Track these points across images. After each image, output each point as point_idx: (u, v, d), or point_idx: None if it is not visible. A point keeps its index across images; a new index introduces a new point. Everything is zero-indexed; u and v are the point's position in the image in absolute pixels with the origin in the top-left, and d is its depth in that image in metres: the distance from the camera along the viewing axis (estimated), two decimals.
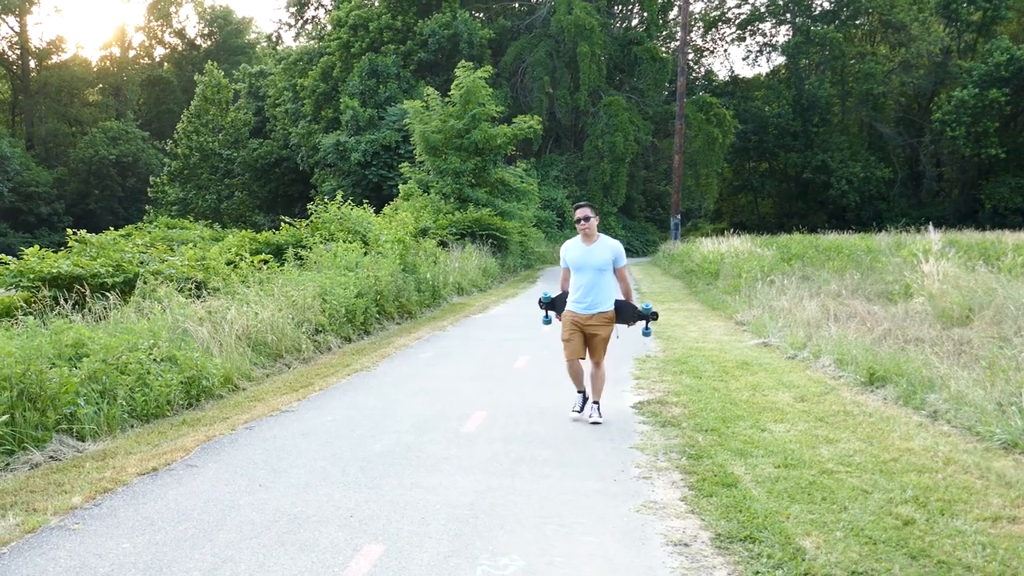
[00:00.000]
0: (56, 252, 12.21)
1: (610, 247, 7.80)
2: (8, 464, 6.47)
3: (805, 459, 6.42)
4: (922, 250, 16.24)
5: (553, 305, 8.31)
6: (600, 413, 7.94)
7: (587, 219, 7.75)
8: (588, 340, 7.87)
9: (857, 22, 62.19)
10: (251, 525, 5.19)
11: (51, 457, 6.70)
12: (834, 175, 55.88)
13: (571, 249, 7.93)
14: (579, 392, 8.20)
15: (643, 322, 8.10)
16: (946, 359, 9.19)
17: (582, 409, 8.11)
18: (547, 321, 8.51)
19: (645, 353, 11.87)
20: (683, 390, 9.20)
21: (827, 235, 31.88)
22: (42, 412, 6.97)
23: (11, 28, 67.96)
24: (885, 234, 28.91)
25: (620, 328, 8.10)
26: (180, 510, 5.47)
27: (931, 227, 22.33)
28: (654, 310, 8.11)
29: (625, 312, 7.95)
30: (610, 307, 7.82)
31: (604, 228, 44.46)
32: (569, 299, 7.93)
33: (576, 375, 8.07)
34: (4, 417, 6.59)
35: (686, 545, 4.88)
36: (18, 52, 68.34)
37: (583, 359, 7.94)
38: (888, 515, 5.20)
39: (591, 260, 7.73)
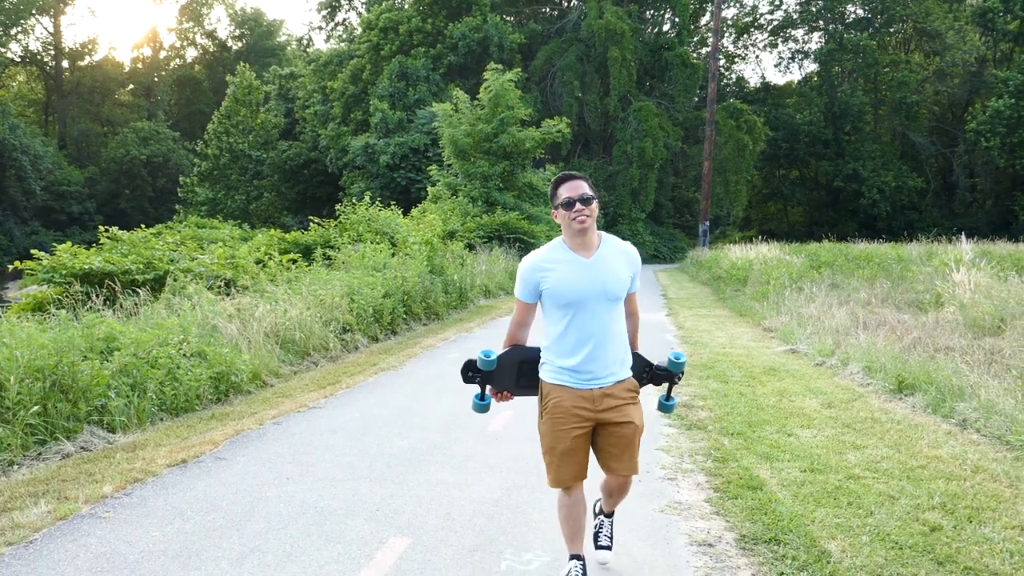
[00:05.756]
0: (88, 249, 12.36)
1: (626, 253, 4.16)
2: (40, 454, 6.57)
3: (831, 464, 6.38)
4: (954, 260, 16.11)
5: (491, 377, 4.27)
6: (612, 537, 4.68)
7: (586, 200, 3.97)
8: (602, 439, 4.12)
9: (891, 30, 61.64)
10: (279, 517, 5.24)
11: (82, 448, 6.79)
12: (865, 184, 55.41)
13: (551, 266, 4.05)
14: (575, 558, 4.23)
15: (664, 385, 4.54)
16: (976, 368, 9.11)
17: None
18: (483, 405, 4.32)
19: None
20: (709, 394, 9.17)
21: (857, 244, 31.64)
22: (74, 403, 7.07)
23: (45, 29, 68.86)
24: (916, 244, 28.69)
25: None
26: (209, 501, 5.54)
27: (963, 237, 22.14)
28: (683, 360, 4.47)
29: (633, 370, 4.28)
30: (629, 371, 4.22)
31: (632, 236, 44.62)
32: (552, 365, 4.12)
33: (577, 522, 4.21)
34: (36, 407, 6.69)
35: (710, 545, 4.88)
36: (52, 53, 69.21)
37: (586, 478, 4.17)
38: (915, 521, 5.17)
39: (600, 282, 4.00)
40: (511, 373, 4.28)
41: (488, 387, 4.30)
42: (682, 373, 4.45)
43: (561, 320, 4.03)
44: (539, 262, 4.08)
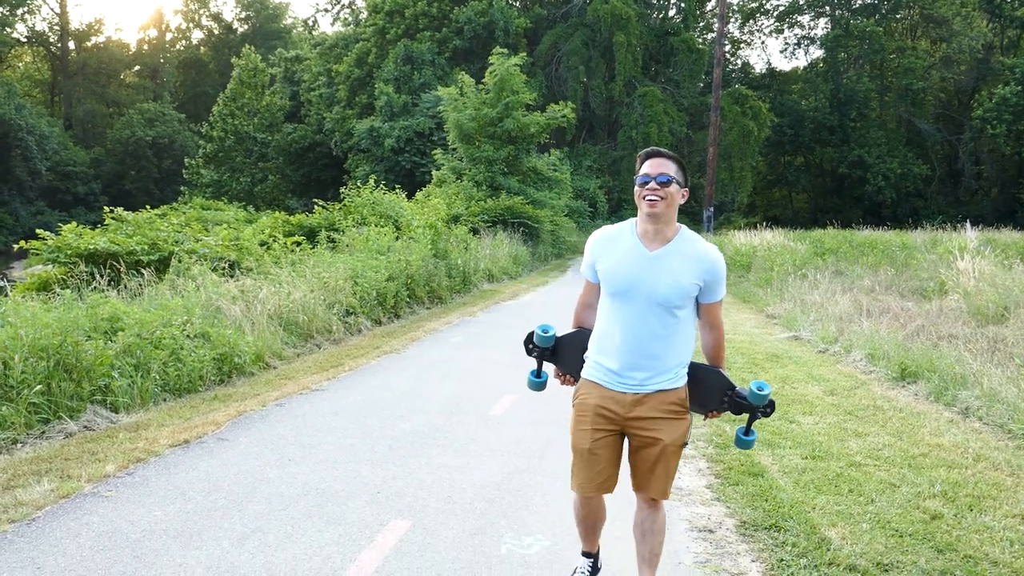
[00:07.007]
0: (93, 230, 12.36)
1: (700, 259, 3.52)
2: (44, 432, 6.60)
3: (833, 451, 6.39)
4: (958, 248, 16.10)
5: (555, 352, 3.97)
6: None
7: (666, 182, 3.46)
8: (629, 454, 3.71)
9: (898, 16, 61.32)
10: (280, 498, 5.26)
11: (85, 427, 6.82)
12: (871, 171, 55.18)
13: (611, 247, 3.62)
14: (586, 555, 4.03)
15: (745, 415, 3.72)
16: (979, 356, 9.10)
17: None
18: (538, 383, 4.06)
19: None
20: None
21: (862, 231, 31.58)
22: (77, 383, 7.09)
23: (51, 9, 68.75)
24: (921, 231, 28.61)
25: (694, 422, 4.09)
26: (211, 481, 5.56)
27: (968, 225, 22.12)
28: (771, 396, 3.66)
29: (709, 389, 3.73)
30: (680, 380, 3.65)
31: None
32: (591, 358, 3.75)
33: (591, 526, 3.95)
34: (40, 386, 6.71)
35: (711, 531, 4.89)
36: (58, 33, 69.08)
37: (610, 492, 3.77)
38: (915, 509, 5.18)
39: (654, 280, 3.49)
40: (574, 357, 3.89)
41: (554, 367, 3.99)
42: (768, 407, 3.67)
43: (607, 308, 3.62)
44: (603, 239, 3.66)
